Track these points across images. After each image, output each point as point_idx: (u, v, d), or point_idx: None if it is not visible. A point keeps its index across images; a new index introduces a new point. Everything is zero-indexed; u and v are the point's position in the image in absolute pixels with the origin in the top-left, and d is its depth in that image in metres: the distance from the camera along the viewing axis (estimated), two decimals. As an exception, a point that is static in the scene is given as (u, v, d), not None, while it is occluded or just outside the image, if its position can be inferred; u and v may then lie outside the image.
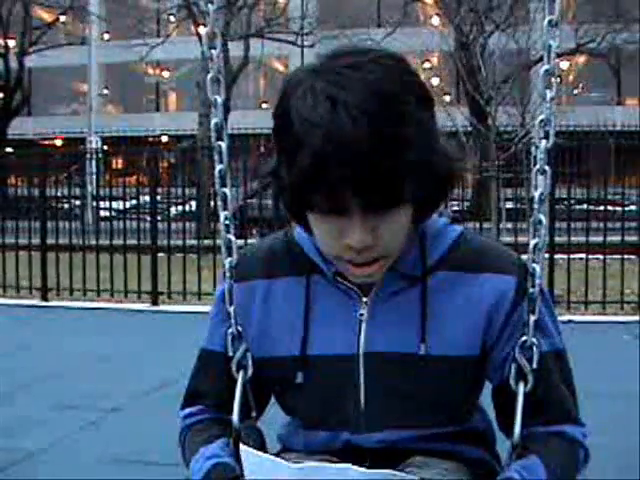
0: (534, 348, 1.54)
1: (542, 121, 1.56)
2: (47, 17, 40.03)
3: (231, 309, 1.64)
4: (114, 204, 12.56)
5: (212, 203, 13.42)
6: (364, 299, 1.58)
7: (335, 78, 1.36)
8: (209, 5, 1.64)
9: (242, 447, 1.52)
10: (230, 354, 1.64)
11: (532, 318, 1.54)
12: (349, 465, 1.43)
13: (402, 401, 1.58)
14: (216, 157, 1.64)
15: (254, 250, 1.70)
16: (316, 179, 1.35)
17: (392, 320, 1.57)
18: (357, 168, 1.33)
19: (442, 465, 1.59)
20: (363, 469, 1.43)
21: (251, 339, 1.64)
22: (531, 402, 1.55)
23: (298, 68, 1.46)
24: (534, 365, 1.54)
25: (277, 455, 1.68)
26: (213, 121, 1.64)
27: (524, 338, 1.55)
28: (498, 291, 1.56)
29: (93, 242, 12.06)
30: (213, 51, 1.64)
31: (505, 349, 1.58)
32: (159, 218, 11.52)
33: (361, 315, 1.59)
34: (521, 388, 1.54)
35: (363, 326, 1.58)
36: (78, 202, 13.99)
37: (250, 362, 1.63)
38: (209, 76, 1.63)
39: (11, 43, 37.68)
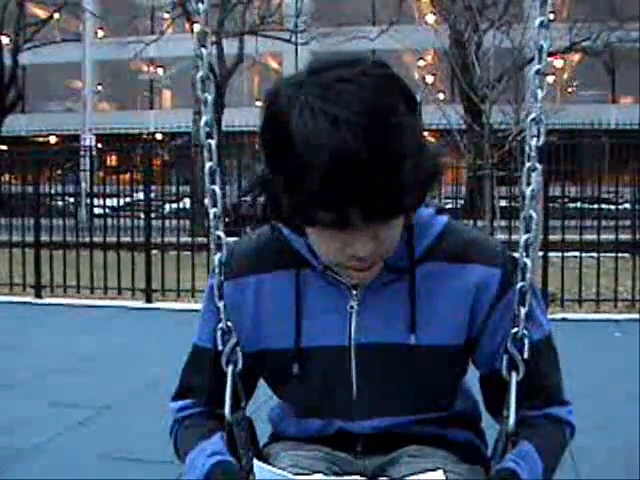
0: (525, 340, 1.59)
1: (533, 119, 1.59)
2: (41, 14, 39.93)
3: (220, 304, 1.66)
4: (108, 201, 12.54)
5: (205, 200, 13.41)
6: (354, 292, 1.62)
7: (329, 94, 1.36)
8: (199, 5, 1.65)
9: (256, 462, 1.56)
10: (220, 348, 1.66)
11: (523, 310, 1.59)
12: (356, 477, 1.51)
13: (392, 390, 1.64)
14: (206, 155, 1.67)
15: (243, 245, 1.74)
16: (322, 198, 1.36)
17: (382, 311, 1.62)
18: (363, 184, 1.34)
19: (437, 453, 1.66)
20: None
21: (245, 334, 1.68)
22: (522, 389, 1.60)
23: (280, 81, 1.44)
24: (525, 355, 1.58)
25: (270, 443, 1.79)
26: (203, 119, 1.65)
27: (515, 330, 1.59)
28: (482, 282, 1.61)
29: (87, 239, 12.05)
30: (204, 50, 1.65)
31: (494, 339, 1.63)
32: (153, 215, 11.51)
33: (351, 307, 1.63)
34: (514, 379, 1.59)
35: (353, 317, 1.63)
36: (72, 199, 13.95)
37: (240, 356, 1.66)
38: (199, 75, 1.64)
39: (5, 40, 37.58)
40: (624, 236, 10.67)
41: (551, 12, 1.60)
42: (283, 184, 1.41)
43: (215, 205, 1.68)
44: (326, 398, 1.67)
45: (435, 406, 1.69)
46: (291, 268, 1.65)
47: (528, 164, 1.59)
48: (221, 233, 1.68)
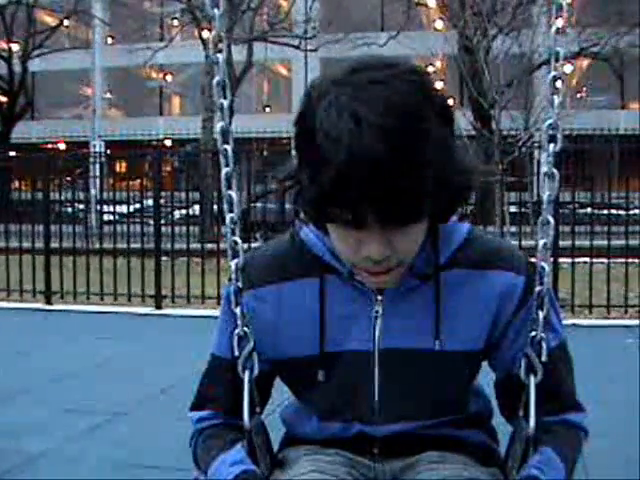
0: (543, 343, 1.60)
1: (550, 125, 1.58)
2: (51, 21, 40.08)
3: (237, 310, 1.65)
4: (117, 208, 12.55)
5: (215, 207, 13.44)
6: (379, 297, 1.62)
7: (359, 93, 1.36)
8: (215, 10, 1.64)
9: None
10: (236, 354, 1.66)
11: (541, 315, 1.60)
12: None
13: (414, 394, 1.65)
14: (222, 160, 1.65)
15: (260, 255, 1.72)
16: (337, 194, 1.37)
17: (406, 317, 1.62)
18: (377, 186, 1.34)
19: (456, 458, 1.67)
20: None
21: (265, 343, 1.67)
22: (539, 394, 1.60)
23: (322, 77, 1.46)
24: (543, 359, 1.59)
25: (286, 446, 1.79)
26: (219, 125, 1.64)
27: (533, 334, 1.60)
28: (507, 288, 1.62)
29: (97, 246, 12.07)
30: (219, 55, 1.64)
31: (514, 345, 1.65)
32: (162, 222, 11.52)
33: (376, 312, 1.63)
34: (532, 382, 1.60)
35: (378, 323, 1.63)
36: (82, 206, 13.97)
37: (256, 362, 1.66)
38: (215, 80, 1.63)
39: (15, 47, 37.73)
40: (634, 242, 10.63)
41: (559, 17, 1.60)
42: (305, 175, 1.43)
43: (232, 210, 1.67)
44: (349, 402, 1.67)
45: (453, 408, 1.71)
46: (314, 275, 1.64)
47: (544, 169, 1.59)
48: (237, 238, 1.67)
